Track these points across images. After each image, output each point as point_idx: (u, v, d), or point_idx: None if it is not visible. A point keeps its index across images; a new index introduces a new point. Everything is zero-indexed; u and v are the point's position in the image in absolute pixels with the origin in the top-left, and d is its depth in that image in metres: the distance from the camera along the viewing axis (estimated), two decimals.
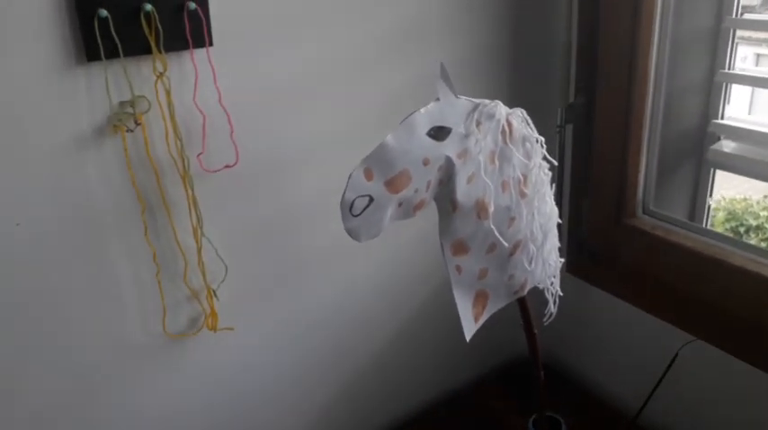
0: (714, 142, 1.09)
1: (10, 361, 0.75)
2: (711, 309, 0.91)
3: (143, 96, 0.73)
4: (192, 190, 0.78)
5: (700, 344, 0.86)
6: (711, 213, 1.22)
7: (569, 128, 1.05)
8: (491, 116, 0.63)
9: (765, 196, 1.49)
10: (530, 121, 0.66)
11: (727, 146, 1.08)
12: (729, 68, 1.03)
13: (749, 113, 1.09)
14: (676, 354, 0.78)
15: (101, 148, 0.73)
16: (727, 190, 1.37)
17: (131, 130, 0.73)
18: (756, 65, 1.25)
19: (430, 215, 0.66)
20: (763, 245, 1.43)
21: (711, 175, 1.17)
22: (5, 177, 0.68)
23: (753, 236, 1.50)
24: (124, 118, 0.73)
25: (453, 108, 0.62)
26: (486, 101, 0.63)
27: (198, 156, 0.78)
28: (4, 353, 0.74)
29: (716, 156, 1.08)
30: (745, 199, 1.47)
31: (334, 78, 0.87)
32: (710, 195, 1.20)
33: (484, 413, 1.11)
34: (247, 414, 0.96)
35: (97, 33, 0.68)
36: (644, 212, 1.05)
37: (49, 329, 0.76)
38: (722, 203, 1.42)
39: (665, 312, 0.94)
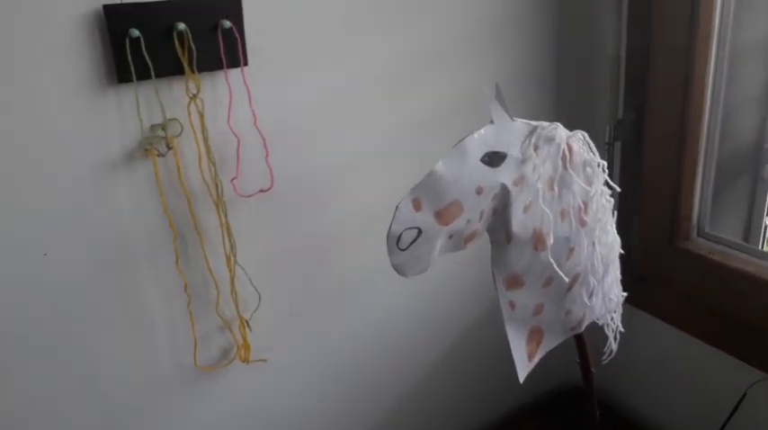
0: None
1: (39, 395, 0.71)
2: None
3: (175, 119, 0.70)
4: (226, 216, 0.74)
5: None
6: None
7: (617, 145, 1.00)
8: (550, 140, 0.58)
9: None
10: (591, 145, 0.61)
11: None
12: None
13: None
14: (744, 394, 0.71)
15: (131, 173, 0.70)
16: None
17: (163, 155, 0.70)
18: None
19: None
20: None
21: None
22: (33, 204, 0.65)
23: None
24: (155, 141, 0.69)
25: (509, 131, 0.57)
26: (545, 123, 0.58)
27: (232, 180, 0.74)
28: (34, 386, 0.71)
29: None
30: None
31: (373, 97, 0.83)
32: (767, 215, 1.13)
33: None
34: None
35: (128, 53, 0.65)
36: (699, 235, 0.98)
37: (77, 364, 0.72)
38: None
39: (727, 344, 0.88)
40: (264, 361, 0.83)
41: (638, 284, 1.02)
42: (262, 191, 0.76)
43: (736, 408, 0.70)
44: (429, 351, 1.01)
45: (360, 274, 0.89)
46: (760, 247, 1.10)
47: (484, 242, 0.62)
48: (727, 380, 0.81)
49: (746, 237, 1.13)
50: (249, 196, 0.76)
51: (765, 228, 1.15)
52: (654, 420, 1.07)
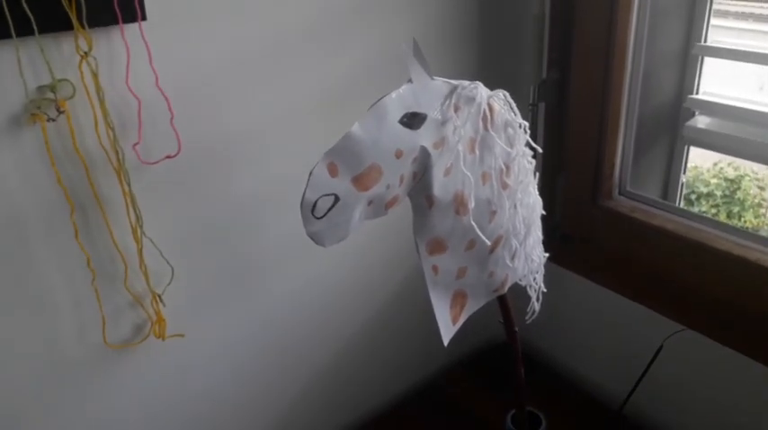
0: (689, 118, 1.05)
1: None
2: (694, 295, 0.87)
3: (66, 80, 0.63)
4: (129, 185, 0.68)
5: (685, 332, 0.82)
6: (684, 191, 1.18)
7: (541, 106, 0.99)
8: (471, 100, 0.55)
9: (715, 164, 1.50)
10: (513, 105, 0.59)
11: (703, 121, 1.04)
12: (705, 41, 0.98)
13: (725, 88, 1.05)
14: (661, 346, 0.73)
15: (17, 142, 0.63)
16: None
17: (53, 119, 0.63)
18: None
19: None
20: (713, 211, 1.46)
21: (686, 152, 1.13)
22: None
23: (703, 202, 1.54)
24: (44, 105, 0.62)
25: (428, 91, 0.54)
26: (465, 82, 0.55)
27: (134, 146, 0.68)
28: None
29: (691, 133, 1.03)
30: (695, 167, 1.49)
31: (284, 55, 0.77)
32: (684, 172, 1.16)
33: (457, 406, 1.06)
34: (203, 421, 0.88)
35: (5, 6, 0.57)
36: (620, 193, 1.00)
37: None
38: None
39: (646, 299, 0.90)
40: (182, 336, 0.79)
41: (562, 243, 1.03)
42: (168, 157, 0.70)
43: (654, 358, 0.72)
44: (353, 320, 1.00)
45: (278, 244, 0.85)
46: (677, 204, 1.13)
47: (406, 207, 0.60)
48: (646, 333, 0.83)
49: (665, 194, 1.16)
50: (154, 163, 0.70)
51: (682, 186, 1.18)
52: (578, 372, 1.10)
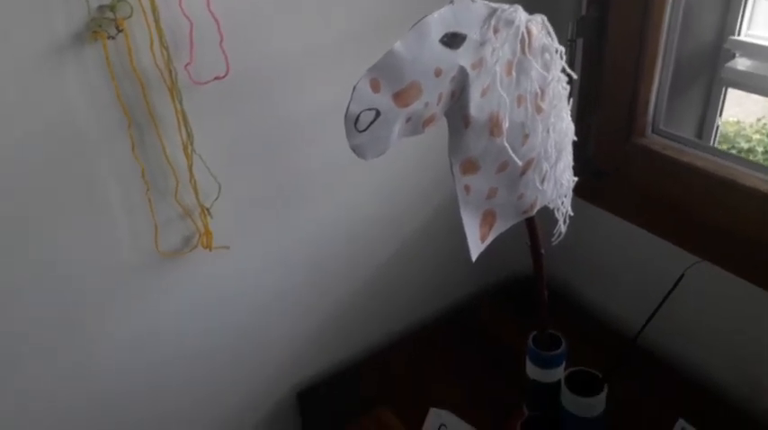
0: (729, 59, 1.04)
1: None
2: (720, 231, 0.89)
3: (124, 0, 0.67)
4: (181, 103, 0.73)
5: (706, 266, 0.84)
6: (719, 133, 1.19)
7: (579, 42, 0.99)
8: (510, 22, 0.57)
9: (758, 119, 1.48)
10: (551, 30, 0.61)
11: (743, 64, 1.04)
12: None
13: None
14: (682, 275, 0.75)
15: (80, 57, 0.67)
16: None
17: (113, 37, 0.67)
18: None
19: (434, 130, 0.62)
20: None
21: (723, 94, 1.13)
22: None
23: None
24: (104, 23, 0.66)
25: (469, 12, 0.56)
26: (505, 5, 0.57)
27: (186, 66, 0.72)
28: None
29: (730, 74, 1.03)
30: (737, 122, 1.47)
31: None
32: (720, 115, 1.16)
33: (483, 329, 1.11)
34: (243, 332, 0.94)
35: None
36: (653, 131, 1.01)
37: (35, 254, 0.72)
38: None
39: (672, 233, 0.92)
40: (227, 248, 0.84)
41: (593, 178, 1.05)
42: (217, 78, 0.74)
43: (674, 287, 0.75)
44: (387, 243, 1.04)
45: (323, 164, 0.90)
46: (712, 145, 1.13)
47: (439, 138, 0.62)
48: (668, 267, 0.86)
49: (699, 136, 1.17)
50: (205, 83, 0.74)
51: (717, 128, 1.18)
52: (598, 302, 1.14)
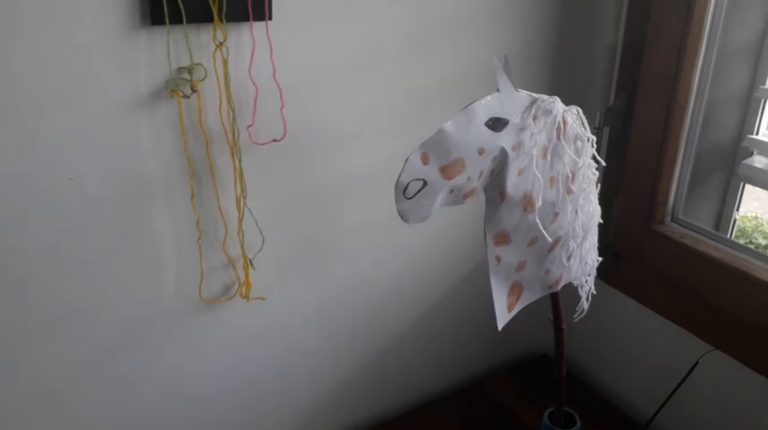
0: (747, 157, 1.10)
1: (46, 313, 0.76)
2: (733, 321, 0.92)
3: (201, 64, 0.74)
4: (240, 160, 0.79)
5: (718, 355, 0.87)
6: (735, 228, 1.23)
7: (606, 130, 1.06)
8: (548, 112, 0.64)
9: None
10: (584, 120, 0.67)
11: (760, 161, 1.09)
12: None
13: None
14: (696, 363, 0.79)
15: (156, 112, 0.74)
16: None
17: (187, 97, 0.75)
18: None
19: (465, 205, 0.67)
20: None
21: (740, 190, 1.18)
22: (64, 133, 0.70)
23: None
24: (182, 84, 0.74)
25: (512, 100, 0.63)
26: (545, 96, 0.64)
27: (248, 128, 0.79)
28: (40, 304, 0.76)
29: (747, 171, 1.08)
30: (756, 217, 1.49)
31: (387, 60, 0.88)
32: (737, 209, 1.21)
33: (498, 404, 1.13)
34: (268, 379, 0.98)
35: None
36: (672, 220, 1.06)
37: (84, 290, 0.77)
38: None
39: (686, 320, 0.96)
40: (263, 299, 0.89)
41: (613, 261, 1.10)
42: (274, 140, 0.81)
43: (688, 375, 0.78)
44: (412, 307, 1.08)
45: (355, 230, 0.95)
46: (729, 238, 1.18)
47: (472, 211, 0.68)
48: (681, 351, 0.89)
49: (717, 228, 1.21)
50: (262, 144, 0.81)
51: (734, 222, 1.22)
52: (611, 386, 1.15)
